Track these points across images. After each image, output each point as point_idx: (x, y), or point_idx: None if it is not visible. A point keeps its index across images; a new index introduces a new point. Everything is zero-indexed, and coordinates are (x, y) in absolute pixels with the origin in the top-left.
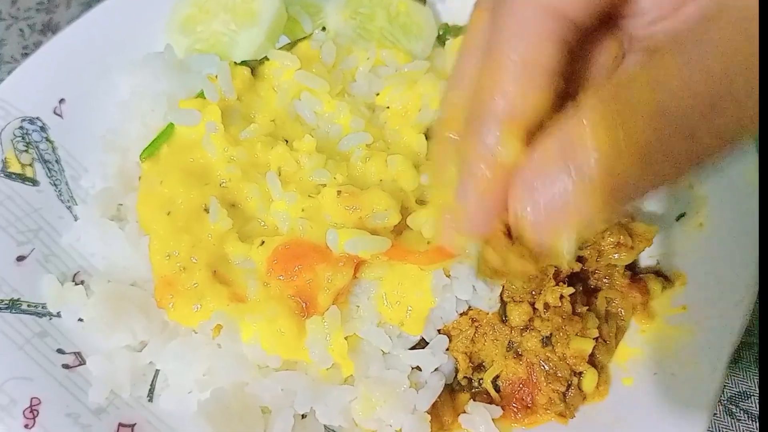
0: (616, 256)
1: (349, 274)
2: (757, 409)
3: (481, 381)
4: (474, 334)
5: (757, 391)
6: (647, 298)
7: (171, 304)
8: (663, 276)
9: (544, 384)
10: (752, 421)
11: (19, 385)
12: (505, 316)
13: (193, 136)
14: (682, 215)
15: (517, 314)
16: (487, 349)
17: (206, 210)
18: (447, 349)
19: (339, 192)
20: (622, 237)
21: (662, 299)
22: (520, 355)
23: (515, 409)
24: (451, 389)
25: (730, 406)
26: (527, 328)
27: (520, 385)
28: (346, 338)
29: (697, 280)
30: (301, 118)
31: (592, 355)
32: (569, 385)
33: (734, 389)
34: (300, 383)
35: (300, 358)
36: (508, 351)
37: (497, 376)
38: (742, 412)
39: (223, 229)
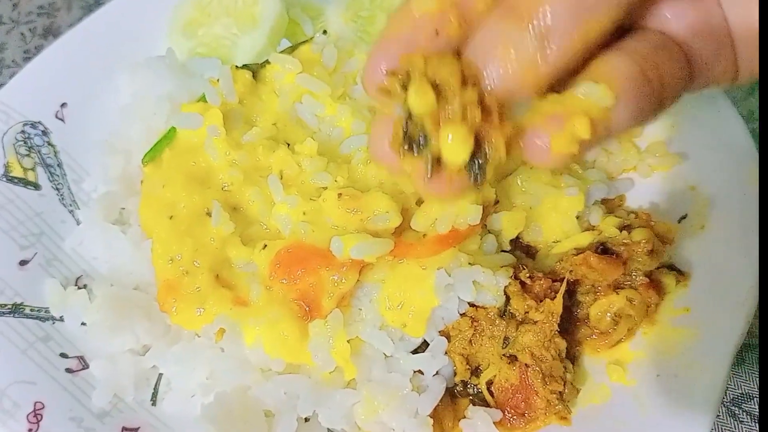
0: (640, 259)
1: (354, 278)
2: None
3: (477, 386)
4: (472, 335)
5: None
6: (662, 298)
7: (174, 308)
8: (676, 270)
9: (541, 387)
10: (755, 423)
11: (22, 389)
12: (506, 311)
13: (195, 140)
14: (683, 217)
15: (519, 304)
16: (484, 350)
17: (208, 214)
18: (445, 352)
19: (340, 195)
20: (655, 245)
21: (665, 301)
22: (515, 358)
23: (510, 417)
24: (451, 394)
25: (733, 407)
26: (524, 321)
27: (513, 393)
28: (348, 341)
29: (699, 281)
30: (302, 121)
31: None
32: (565, 383)
33: (737, 391)
34: (303, 387)
35: (303, 361)
36: (503, 348)
37: (491, 382)
38: (744, 413)
39: (225, 233)
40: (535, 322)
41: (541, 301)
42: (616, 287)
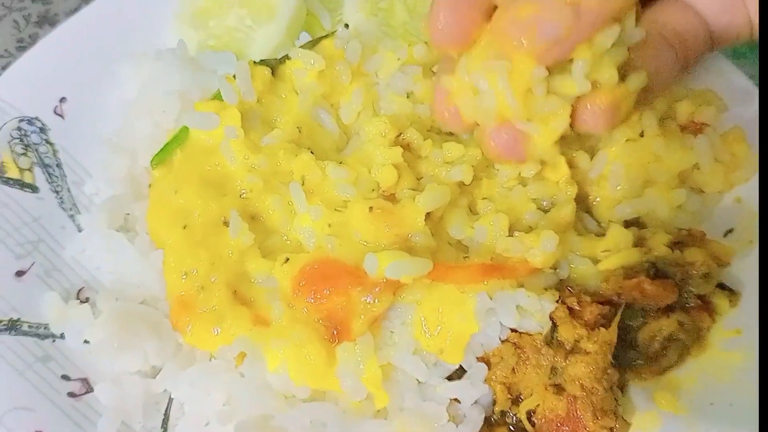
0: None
1: (389, 301)
2: None
3: (516, 416)
4: (515, 363)
5: None
6: (714, 321)
7: (189, 327)
8: (727, 289)
9: (591, 422)
10: None
11: (20, 416)
12: (553, 338)
13: (210, 142)
14: (729, 231)
15: (569, 332)
16: (528, 379)
17: (225, 223)
18: (485, 379)
19: (371, 208)
20: (711, 269)
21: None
22: (562, 389)
23: None
24: (488, 422)
25: None
26: (574, 351)
27: (558, 425)
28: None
29: (750, 300)
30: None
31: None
32: (617, 417)
33: None
34: (330, 415)
35: (330, 388)
36: (550, 379)
37: (533, 411)
38: None
39: (244, 245)
40: (588, 353)
41: (592, 329)
42: (666, 309)
